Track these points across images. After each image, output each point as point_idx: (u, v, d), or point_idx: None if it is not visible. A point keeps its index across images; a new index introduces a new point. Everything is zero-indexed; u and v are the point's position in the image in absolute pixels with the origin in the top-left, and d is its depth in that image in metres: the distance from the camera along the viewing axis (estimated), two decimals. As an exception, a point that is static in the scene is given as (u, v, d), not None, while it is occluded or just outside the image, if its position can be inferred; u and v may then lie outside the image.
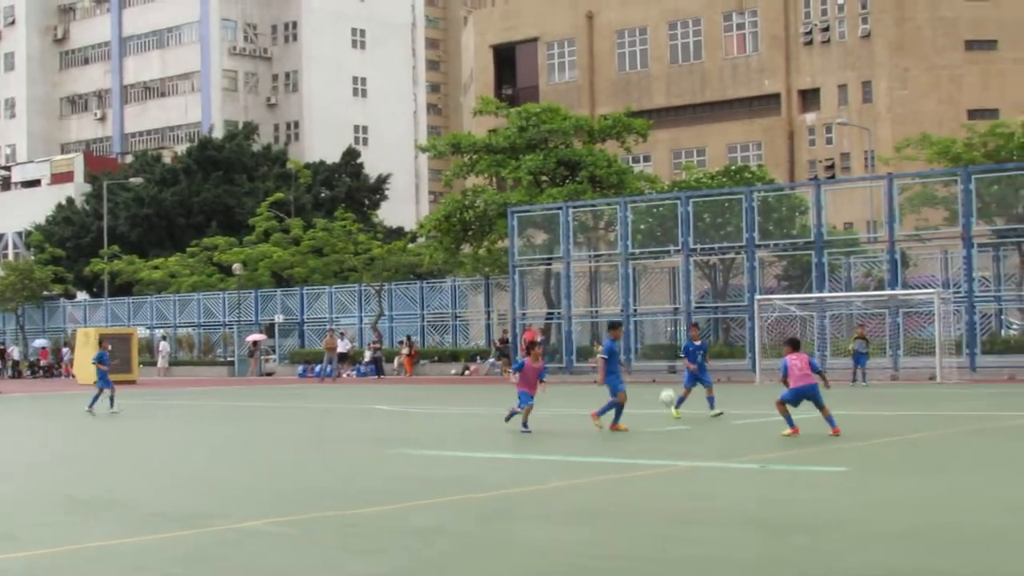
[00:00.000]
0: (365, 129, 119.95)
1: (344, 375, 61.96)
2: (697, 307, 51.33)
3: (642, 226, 50.87)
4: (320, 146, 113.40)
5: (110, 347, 34.89)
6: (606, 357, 22.59)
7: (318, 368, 63.01)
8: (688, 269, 49.37)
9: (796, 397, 20.34)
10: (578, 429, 23.25)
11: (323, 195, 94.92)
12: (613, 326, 23.06)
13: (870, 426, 22.97)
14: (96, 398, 31.80)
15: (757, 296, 46.14)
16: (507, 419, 23.23)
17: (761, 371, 43.59)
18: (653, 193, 55.96)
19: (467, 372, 59.33)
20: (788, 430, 20.54)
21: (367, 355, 63.47)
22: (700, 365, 25.68)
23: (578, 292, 54.47)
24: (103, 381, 31.21)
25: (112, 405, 32.17)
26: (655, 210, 51.37)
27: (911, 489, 13.81)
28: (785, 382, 20.57)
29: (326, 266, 73.69)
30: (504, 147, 58.23)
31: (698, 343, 25.74)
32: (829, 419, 20.51)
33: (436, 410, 31.96)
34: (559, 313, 53.02)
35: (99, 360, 31.31)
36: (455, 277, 65.91)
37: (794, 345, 20.96)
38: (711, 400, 25.91)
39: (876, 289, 48.19)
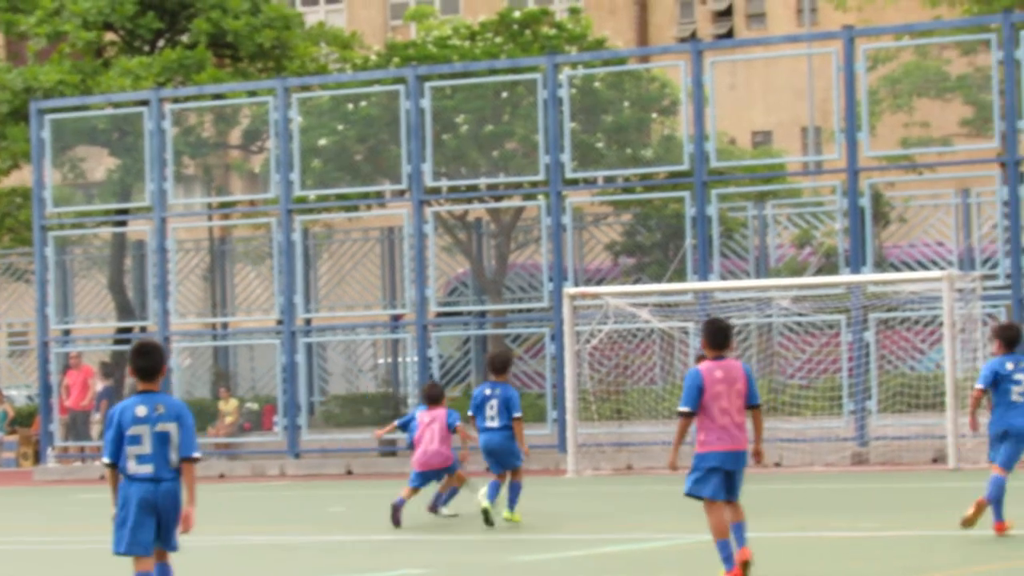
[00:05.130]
0: None
1: None
2: (444, 312, 39.91)
3: (323, 141, 39.26)
4: None
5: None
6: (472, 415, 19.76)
7: None
8: (421, 231, 37.35)
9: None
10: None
11: None
12: (499, 364, 19.13)
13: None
14: None
15: (568, 287, 34.53)
16: None
17: (578, 448, 32.57)
18: (348, 72, 43.97)
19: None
20: None
21: None
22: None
23: (186, 282, 43.80)
24: None
25: None
26: (352, 107, 40.61)
27: None
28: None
29: None
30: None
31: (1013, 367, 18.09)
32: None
33: None
34: (143, 328, 41.76)
35: None
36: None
37: (432, 398, 18.74)
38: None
39: (823, 271, 37.73)
